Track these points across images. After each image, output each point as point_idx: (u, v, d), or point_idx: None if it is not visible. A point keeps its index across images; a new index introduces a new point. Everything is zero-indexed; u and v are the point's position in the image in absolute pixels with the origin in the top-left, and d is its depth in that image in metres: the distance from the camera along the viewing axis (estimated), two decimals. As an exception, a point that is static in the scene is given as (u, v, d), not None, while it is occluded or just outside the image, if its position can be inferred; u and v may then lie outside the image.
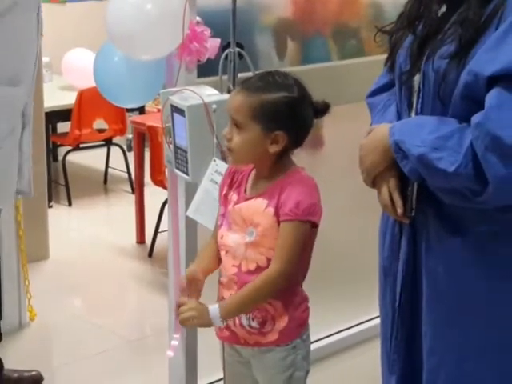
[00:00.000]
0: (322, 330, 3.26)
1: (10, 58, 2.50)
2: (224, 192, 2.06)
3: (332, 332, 3.34)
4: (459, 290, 1.73)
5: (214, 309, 1.93)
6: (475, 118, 1.58)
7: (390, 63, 1.86)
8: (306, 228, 1.92)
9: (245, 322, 1.98)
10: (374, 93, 1.97)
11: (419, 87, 1.73)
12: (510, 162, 1.54)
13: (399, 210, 1.75)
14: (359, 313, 3.35)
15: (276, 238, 1.92)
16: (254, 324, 1.97)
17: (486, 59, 1.57)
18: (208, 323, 1.95)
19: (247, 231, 1.95)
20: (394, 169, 1.74)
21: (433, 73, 1.67)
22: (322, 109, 1.98)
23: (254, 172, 2.02)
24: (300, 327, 2.01)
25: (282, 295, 1.96)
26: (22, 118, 2.61)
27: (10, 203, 2.86)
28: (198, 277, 2.02)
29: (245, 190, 2.00)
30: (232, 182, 2.05)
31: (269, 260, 1.94)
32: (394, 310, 1.86)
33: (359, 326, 3.36)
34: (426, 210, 1.75)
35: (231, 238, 1.99)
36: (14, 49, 2.49)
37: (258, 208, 1.94)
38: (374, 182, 1.80)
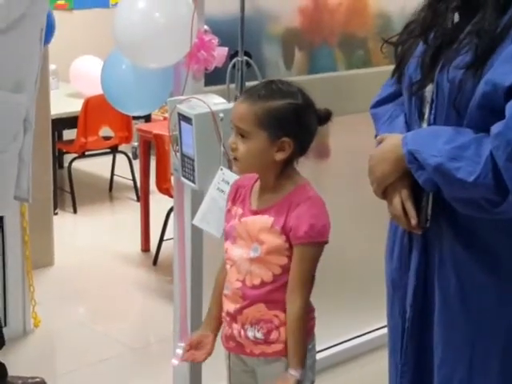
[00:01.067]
0: (329, 339, 3.26)
1: (14, 66, 2.52)
2: (228, 207, 2.07)
3: (339, 341, 3.33)
4: (472, 302, 1.71)
5: (296, 374, 1.94)
6: (495, 128, 1.57)
7: (398, 74, 1.85)
8: (321, 249, 1.95)
9: (250, 333, 1.99)
10: (378, 103, 1.96)
11: (432, 98, 1.71)
12: None
13: (413, 221, 1.73)
14: (367, 322, 3.34)
15: (282, 255, 1.94)
16: (259, 335, 1.98)
17: (505, 69, 1.56)
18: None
19: (252, 247, 1.96)
20: (406, 179, 1.72)
21: (448, 83, 1.66)
22: (325, 116, 1.98)
23: (258, 184, 2.02)
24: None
25: None
26: (23, 123, 2.62)
27: (9, 210, 2.85)
28: (205, 341, 2.11)
29: (250, 203, 2.00)
30: (235, 197, 2.05)
31: (274, 275, 1.95)
32: (404, 322, 1.85)
33: (367, 336, 3.35)
34: (440, 221, 1.73)
35: (235, 252, 2.00)
36: (18, 57, 2.51)
37: (264, 225, 1.94)
38: (384, 192, 1.79)
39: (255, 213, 1.98)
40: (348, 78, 3.13)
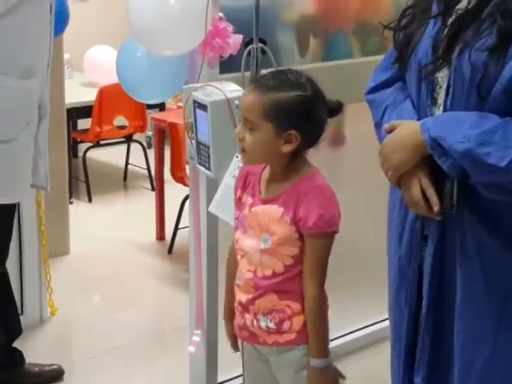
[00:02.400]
0: (345, 326, 3.27)
1: (22, 51, 2.51)
2: (238, 195, 2.04)
3: (354, 329, 3.34)
4: (497, 287, 1.70)
5: (316, 363, 1.96)
6: None
7: (401, 59, 1.80)
8: (331, 238, 1.93)
9: (263, 323, 1.98)
10: (374, 89, 1.92)
11: (449, 82, 1.68)
12: None
13: (436, 208, 1.69)
14: (382, 310, 3.31)
15: (293, 245, 1.92)
16: (272, 325, 1.97)
17: None
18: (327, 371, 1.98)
19: (262, 238, 1.94)
20: (424, 166, 1.70)
21: (469, 66, 1.62)
22: (335, 108, 1.95)
23: (266, 172, 1.99)
24: None
25: (301, 297, 1.95)
26: (38, 110, 2.62)
27: (25, 196, 2.86)
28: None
29: (259, 192, 1.98)
30: (245, 184, 2.03)
31: (286, 266, 1.94)
32: (411, 310, 1.84)
33: (382, 323, 3.34)
34: (462, 206, 1.70)
35: (246, 243, 1.98)
36: (26, 41, 2.50)
37: (274, 215, 1.92)
38: (398, 180, 1.76)
39: (264, 202, 1.96)
40: (363, 65, 3.11)
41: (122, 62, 2.63)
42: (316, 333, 1.96)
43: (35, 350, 3.24)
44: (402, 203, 1.82)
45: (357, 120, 3.02)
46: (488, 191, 1.65)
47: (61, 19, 2.67)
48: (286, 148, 1.89)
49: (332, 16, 3.04)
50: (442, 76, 1.71)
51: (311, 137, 1.92)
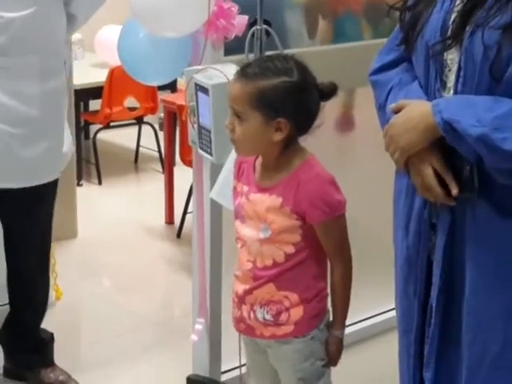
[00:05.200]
0: (359, 313, 3.21)
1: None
2: (234, 184, 2.01)
3: (368, 316, 3.29)
4: (509, 275, 1.64)
5: (338, 334, 1.99)
6: None
7: (408, 40, 1.73)
8: (343, 218, 1.92)
9: (259, 315, 1.94)
10: (379, 70, 1.85)
11: (460, 64, 1.61)
12: None
13: (455, 191, 1.63)
14: (385, 300, 3.27)
15: (295, 232, 1.88)
16: (268, 317, 1.94)
17: None
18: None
19: (260, 227, 1.90)
20: (435, 149, 1.63)
21: (481, 46, 1.55)
22: (329, 91, 1.89)
23: (260, 160, 1.95)
24: (316, 318, 1.96)
25: (299, 288, 1.92)
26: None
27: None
28: None
29: (255, 180, 1.94)
30: (239, 173, 1.99)
31: (287, 255, 1.90)
32: (421, 302, 1.78)
33: (386, 314, 3.29)
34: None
35: (245, 232, 1.94)
36: None
37: (273, 205, 1.88)
38: (406, 163, 1.69)
39: (262, 190, 1.91)
40: (375, 47, 3.01)
41: (123, 43, 2.57)
42: (345, 309, 1.97)
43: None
44: (409, 190, 1.76)
45: (368, 104, 2.95)
46: (503, 177, 1.59)
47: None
48: (277, 137, 1.85)
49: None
50: (452, 58, 1.65)
51: (302, 123, 1.87)
